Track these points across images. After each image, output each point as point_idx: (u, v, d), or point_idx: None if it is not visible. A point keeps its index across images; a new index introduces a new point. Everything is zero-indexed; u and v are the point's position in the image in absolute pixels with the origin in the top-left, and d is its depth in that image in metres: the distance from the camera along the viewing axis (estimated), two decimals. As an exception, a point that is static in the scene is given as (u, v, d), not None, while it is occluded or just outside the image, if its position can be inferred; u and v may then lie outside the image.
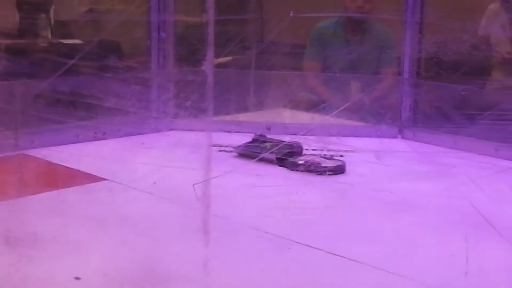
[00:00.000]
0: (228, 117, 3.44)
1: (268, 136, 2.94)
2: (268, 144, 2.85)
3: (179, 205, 2.26)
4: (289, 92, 3.71)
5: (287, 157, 2.75)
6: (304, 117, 3.52)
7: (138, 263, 1.81)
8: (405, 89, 3.33)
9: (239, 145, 2.89)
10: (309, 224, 2.13)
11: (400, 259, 1.89)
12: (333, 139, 3.11)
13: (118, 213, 2.18)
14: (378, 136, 3.31)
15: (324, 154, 2.86)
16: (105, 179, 2.50)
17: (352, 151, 2.99)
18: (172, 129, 3.30)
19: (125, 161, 2.71)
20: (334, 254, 1.87)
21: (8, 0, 4.35)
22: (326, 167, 2.69)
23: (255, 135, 2.94)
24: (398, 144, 3.25)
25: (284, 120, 3.38)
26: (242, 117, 3.53)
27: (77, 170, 2.59)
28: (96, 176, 2.53)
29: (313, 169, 2.67)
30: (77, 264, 1.78)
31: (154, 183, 2.48)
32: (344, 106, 3.27)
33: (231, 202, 2.29)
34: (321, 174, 2.66)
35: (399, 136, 3.34)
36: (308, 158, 2.75)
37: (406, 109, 3.34)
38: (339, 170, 2.70)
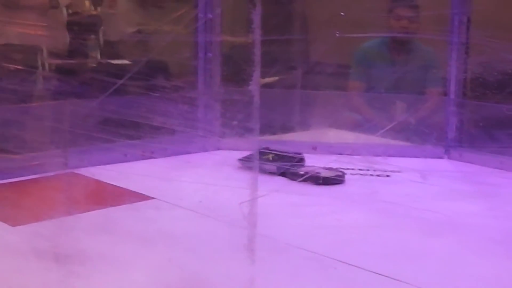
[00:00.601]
0: (273, 137, 3.46)
1: (273, 148, 2.98)
2: (270, 156, 2.88)
3: (225, 224, 2.28)
4: (334, 112, 3.71)
5: (288, 168, 2.80)
6: (349, 137, 3.52)
7: (184, 281, 1.83)
8: (451, 109, 3.32)
9: (244, 157, 2.93)
10: (354, 243, 2.14)
11: (445, 279, 1.89)
12: (379, 158, 3.11)
13: (165, 231, 2.20)
14: (424, 156, 3.30)
15: (325, 166, 2.89)
16: (152, 198, 2.53)
17: (397, 171, 2.99)
18: (218, 149, 3.32)
19: (172, 179, 2.74)
20: (379, 274, 1.87)
21: (58, 21, 4.42)
22: (325, 177, 2.77)
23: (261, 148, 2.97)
24: (444, 164, 3.24)
25: (330, 140, 3.38)
26: (288, 136, 3.54)
27: (125, 188, 2.62)
28: (143, 194, 2.56)
29: (311, 179, 2.73)
30: (124, 281, 1.81)
31: (200, 201, 2.50)
32: (390, 126, 3.27)
33: (276, 221, 2.31)
34: (319, 184, 2.72)
35: (445, 156, 3.33)
36: (309, 169, 2.80)
37: (452, 129, 3.32)
38: (336, 180, 2.75)
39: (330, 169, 2.86)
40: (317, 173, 2.77)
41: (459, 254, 2.09)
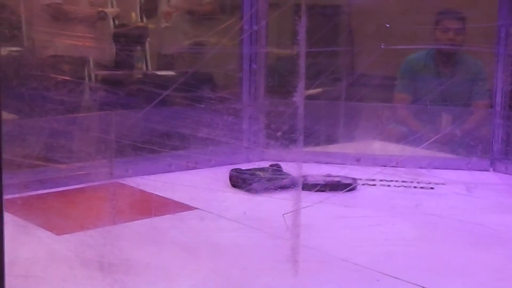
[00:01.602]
0: (318, 148, 3.45)
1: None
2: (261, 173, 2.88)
3: (268, 235, 2.28)
4: (379, 124, 3.70)
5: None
6: (394, 149, 3.51)
7: (228, 291, 1.84)
8: (497, 121, 3.30)
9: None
10: (398, 256, 2.13)
11: (490, 293, 1.88)
12: (423, 171, 3.10)
13: (209, 242, 2.21)
14: (469, 169, 3.28)
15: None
16: (196, 208, 2.55)
17: (442, 183, 2.97)
18: (262, 159, 3.33)
19: (216, 190, 2.75)
20: (423, 287, 1.86)
21: (105, 33, 4.47)
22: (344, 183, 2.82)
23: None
24: (489, 176, 3.21)
25: (374, 152, 3.38)
26: (332, 148, 3.54)
27: (170, 199, 2.63)
28: (188, 205, 2.58)
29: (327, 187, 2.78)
30: (169, 291, 1.82)
31: (244, 212, 2.51)
32: (435, 138, 3.25)
33: (320, 232, 2.30)
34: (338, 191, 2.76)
35: (491, 168, 3.30)
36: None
37: (498, 142, 3.30)
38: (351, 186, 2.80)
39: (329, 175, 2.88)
40: (336, 180, 2.83)
41: (506, 268, 2.07)
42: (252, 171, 2.87)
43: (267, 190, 2.73)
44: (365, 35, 4.61)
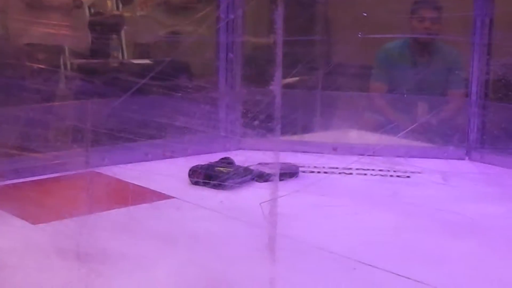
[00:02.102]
0: (295, 137, 3.46)
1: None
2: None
3: (245, 224, 2.28)
4: (356, 113, 3.71)
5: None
6: (371, 138, 3.52)
7: (205, 281, 1.83)
8: (473, 111, 3.31)
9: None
10: (375, 244, 2.13)
11: (467, 282, 1.88)
12: (400, 159, 3.11)
13: (185, 231, 2.21)
14: (445, 158, 3.29)
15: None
16: (173, 197, 2.54)
17: (419, 172, 2.98)
18: (239, 149, 3.33)
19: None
20: (400, 276, 1.87)
21: (81, 21, 4.44)
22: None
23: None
24: (466, 165, 3.23)
25: (351, 141, 3.38)
26: (309, 137, 3.54)
27: (147, 188, 2.63)
28: (164, 194, 2.57)
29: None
30: (145, 281, 1.82)
31: (221, 201, 2.51)
32: (411, 127, 3.26)
33: (297, 221, 2.31)
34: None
35: (467, 157, 3.32)
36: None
37: (474, 131, 3.31)
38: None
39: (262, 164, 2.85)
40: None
41: (481, 257, 2.08)
42: (211, 168, 2.79)
43: (239, 185, 2.72)
44: (342, 24, 4.62)
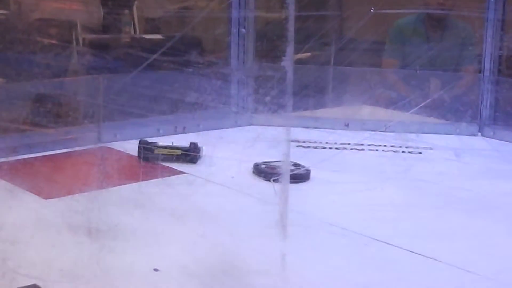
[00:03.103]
0: (306, 113, 3.44)
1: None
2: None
3: (257, 200, 2.28)
4: (368, 89, 3.70)
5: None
6: (383, 114, 3.50)
7: (216, 256, 1.83)
8: (485, 87, 3.29)
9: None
10: (387, 221, 2.13)
11: (478, 258, 1.88)
12: (412, 136, 3.10)
13: (197, 206, 2.20)
14: (458, 134, 3.28)
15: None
16: (184, 173, 2.54)
17: (431, 148, 2.97)
18: (251, 124, 3.32)
19: (205, 155, 2.74)
20: (412, 252, 1.87)
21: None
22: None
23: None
24: (478, 142, 3.21)
25: (363, 117, 3.37)
26: (321, 113, 3.53)
27: (158, 163, 2.63)
28: (176, 169, 2.57)
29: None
30: (156, 256, 1.82)
31: (233, 177, 2.50)
32: (424, 103, 3.25)
33: (308, 197, 2.30)
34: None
35: (479, 134, 3.30)
36: None
37: (487, 107, 3.29)
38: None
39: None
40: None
41: (493, 234, 2.08)
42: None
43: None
44: (355, -1, 4.59)
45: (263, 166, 2.56)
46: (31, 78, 2.94)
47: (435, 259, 1.82)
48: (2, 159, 2.53)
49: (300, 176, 2.47)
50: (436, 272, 1.78)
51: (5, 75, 2.90)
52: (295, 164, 2.52)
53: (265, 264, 1.77)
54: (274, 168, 2.49)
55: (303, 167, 2.53)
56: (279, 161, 2.61)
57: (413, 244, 1.90)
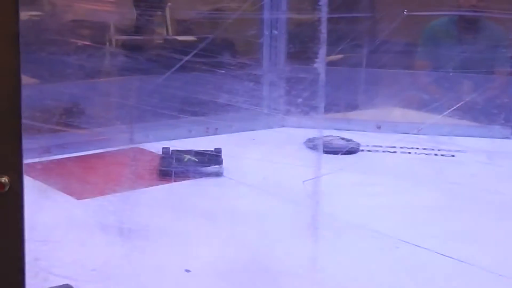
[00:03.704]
0: (338, 115, 3.44)
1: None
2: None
3: (288, 201, 2.28)
4: (400, 91, 3.68)
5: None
6: (415, 116, 3.49)
7: (247, 257, 1.84)
8: (519, 89, 3.27)
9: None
10: (418, 223, 2.12)
11: (510, 262, 1.87)
12: (445, 138, 3.08)
13: (228, 208, 2.21)
14: (491, 137, 3.25)
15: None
16: (216, 174, 2.54)
17: (463, 151, 2.95)
18: (282, 126, 3.32)
19: (236, 156, 2.74)
20: (443, 255, 1.86)
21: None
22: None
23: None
24: (511, 144, 3.18)
25: (395, 119, 3.36)
26: (353, 115, 3.52)
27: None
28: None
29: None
30: (187, 257, 1.83)
31: (264, 178, 2.50)
32: (457, 105, 3.23)
33: (340, 199, 2.30)
34: None
35: (512, 136, 3.28)
36: None
37: (520, 110, 3.27)
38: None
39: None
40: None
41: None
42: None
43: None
44: (387, 1, 4.58)
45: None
46: (65, 79, 2.96)
47: (467, 262, 1.82)
48: (36, 160, 2.55)
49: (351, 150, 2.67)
50: (467, 276, 1.77)
51: (39, 76, 2.92)
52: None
53: (296, 266, 1.78)
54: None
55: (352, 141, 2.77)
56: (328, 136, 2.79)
57: (445, 247, 1.89)
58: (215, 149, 2.67)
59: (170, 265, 1.77)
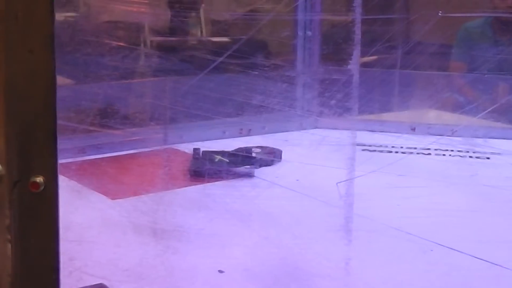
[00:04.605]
0: (372, 116, 3.42)
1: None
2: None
3: (321, 203, 2.28)
4: (435, 93, 3.66)
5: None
6: (450, 118, 3.47)
7: (279, 259, 1.84)
8: (555, 91, 3.24)
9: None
10: (452, 226, 2.11)
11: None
12: (480, 140, 3.06)
13: (261, 209, 2.21)
14: (527, 139, 3.23)
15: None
16: (249, 175, 2.54)
17: (499, 154, 2.93)
18: (316, 127, 3.31)
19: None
20: (478, 258, 1.84)
21: (160, -1, 4.47)
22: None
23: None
24: (547, 147, 3.16)
25: (429, 121, 3.34)
26: (386, 116, 3.50)
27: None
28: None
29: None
30: (220, 258, 1.83)
31: (297, 180, 2.50)
32: (492, 107, 3.20)
33: (373, 201, 2.29)
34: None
35: (549, 139, 3.24)
36: None
37: (557, 111, 3.24)
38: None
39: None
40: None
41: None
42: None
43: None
44: (421, 2, 4.55)
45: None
46: (99, 80, 2.97)
47: (502, 266, 1.80)
48: (71, 160, 2.56)
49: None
50: (502, 279, 1.76)
51: (73, 76, 2.94)
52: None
53: (329, 268, 1.77)
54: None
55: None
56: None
57: (479, 250, 1.88)
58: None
59: (203, 266, 1.78)
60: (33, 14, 0.92)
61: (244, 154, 2.67)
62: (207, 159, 2.61)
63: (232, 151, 2.69)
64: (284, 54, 3.87)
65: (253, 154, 2.69)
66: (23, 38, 0.92)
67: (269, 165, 2.68)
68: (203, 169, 2.52)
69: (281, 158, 2.77)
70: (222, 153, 2.66)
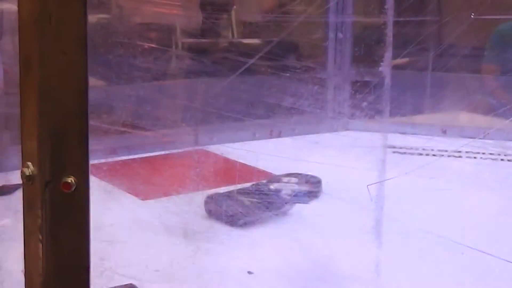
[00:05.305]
0: (403, 119, 3.41)
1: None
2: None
3: (352, 205, 2.27)
4: (467, 95, 3.64)
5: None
6: (482, 121, 3.45)
7: (310, 261, 1.84)
8: None
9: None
10: (484, 229, 2.10)
11: None
12: (512, 143, 3.04)
13: (291, 210, 2.21)
14: (561, 143, 3.20)
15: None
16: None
17: (531, 157, 2.91)
18: (347, 129, 3.31)
19: (300, 159, 2.74)
20: (510, 262, 1.83)
21: (192, 1, 4.48)
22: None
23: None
24: None
25: (461, 123, 3.32)
26: (418, 119, 3.49)
27: (253, 167, 2.64)
28: (271, 173, 2.58)
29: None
30: (250, 259, 1.83)
31: (328, 182, 2.50)
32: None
33: (404, 204, 2.28)
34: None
35: None
36: None
37: None
38: None
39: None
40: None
41: None
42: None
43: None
44: (454, 4, 4.53)
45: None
46: (131, 81, 2.99)
47: (534, 270, 1.79)
48: (102, 160, 2.58)
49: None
50: (534, 283, 1.74)
51: (106, 78, 2.96)
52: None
53: (360, 271, 1.77)
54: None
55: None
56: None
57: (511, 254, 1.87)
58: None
59: (233, 267, 1.78)
60: (67, 16, 0.92)
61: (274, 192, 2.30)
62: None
63: (261, 184, 2.38)
64: (315, 56, 3.86)
65: (285, 191, 2.32)
66: (57, 39, 0.92)
67: (306, 203, 2.35)
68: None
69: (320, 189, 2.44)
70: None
